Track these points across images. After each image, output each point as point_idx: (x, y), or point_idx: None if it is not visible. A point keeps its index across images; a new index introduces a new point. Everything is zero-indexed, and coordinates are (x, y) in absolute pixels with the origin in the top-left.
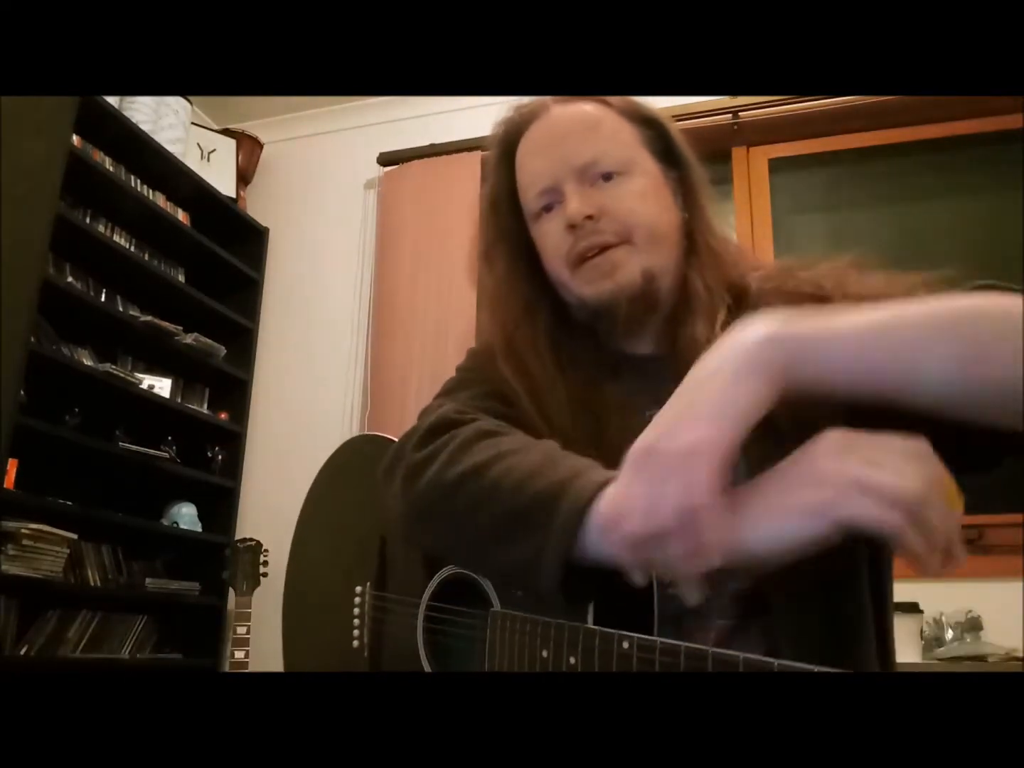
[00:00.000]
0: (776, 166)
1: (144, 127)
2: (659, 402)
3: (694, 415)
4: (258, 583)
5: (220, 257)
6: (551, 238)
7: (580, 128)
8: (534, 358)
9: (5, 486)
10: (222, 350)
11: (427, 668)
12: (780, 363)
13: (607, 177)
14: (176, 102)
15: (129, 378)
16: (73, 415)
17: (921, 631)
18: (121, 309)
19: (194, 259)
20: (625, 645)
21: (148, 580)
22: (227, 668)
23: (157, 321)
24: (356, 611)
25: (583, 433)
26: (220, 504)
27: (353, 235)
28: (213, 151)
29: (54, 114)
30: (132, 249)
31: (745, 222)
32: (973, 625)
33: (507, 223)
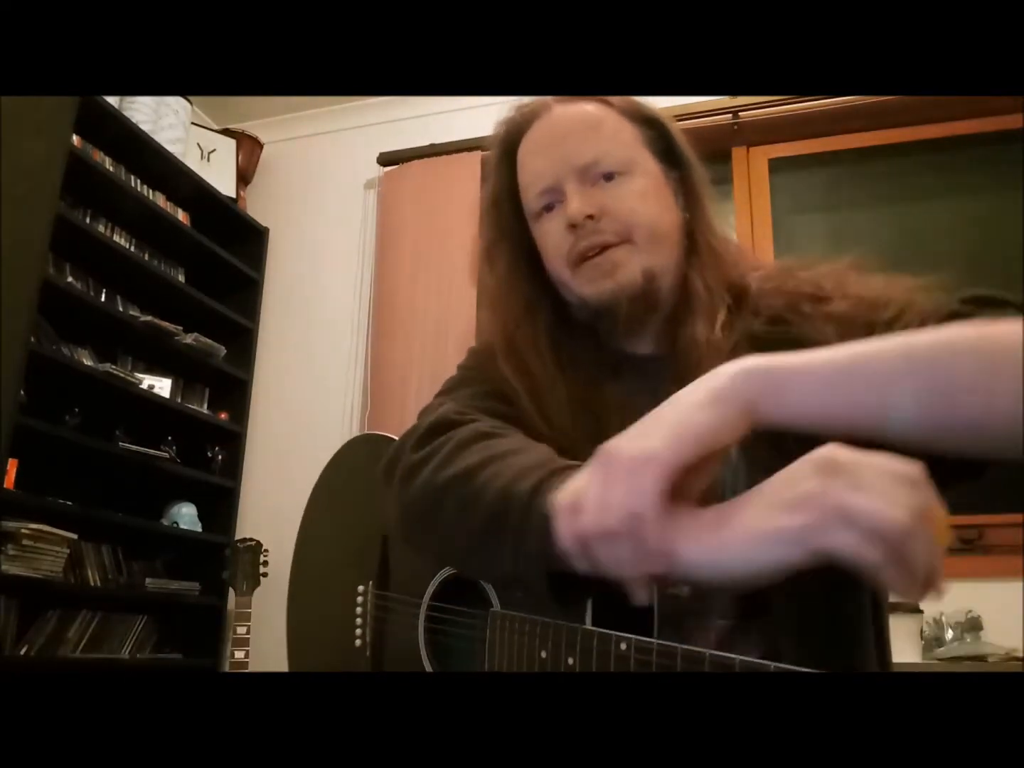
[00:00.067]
0: (776, 166)
1: (144, 127)
2: (659, 402)
3: (654, 429)
4: (258, 583)
5: (220, 257)
6: (552, 237)
7: (581, 128)
8: (534, 357)
9: (5, 486)
10: (222, 350)
11: (428, 668)
12: (750, 395)
13: (608, 177)
14: (176, 102)
15: (129, 378)
16: (73, 415)
17: (921, 631)
18: (121, 309)
19: (194, 259)
20: (623, 646)
21: (148, 580)
22: (227, 668)
23: (157, 321)
24: (358, 610)
25: (583, 433)
26: (220, 504)
27: (353, 235)
28: (213, 151)
29: (54, 114)
30: (132, 249)
31: (745, 222)
32: (973, 625)
33: (508, 223)
